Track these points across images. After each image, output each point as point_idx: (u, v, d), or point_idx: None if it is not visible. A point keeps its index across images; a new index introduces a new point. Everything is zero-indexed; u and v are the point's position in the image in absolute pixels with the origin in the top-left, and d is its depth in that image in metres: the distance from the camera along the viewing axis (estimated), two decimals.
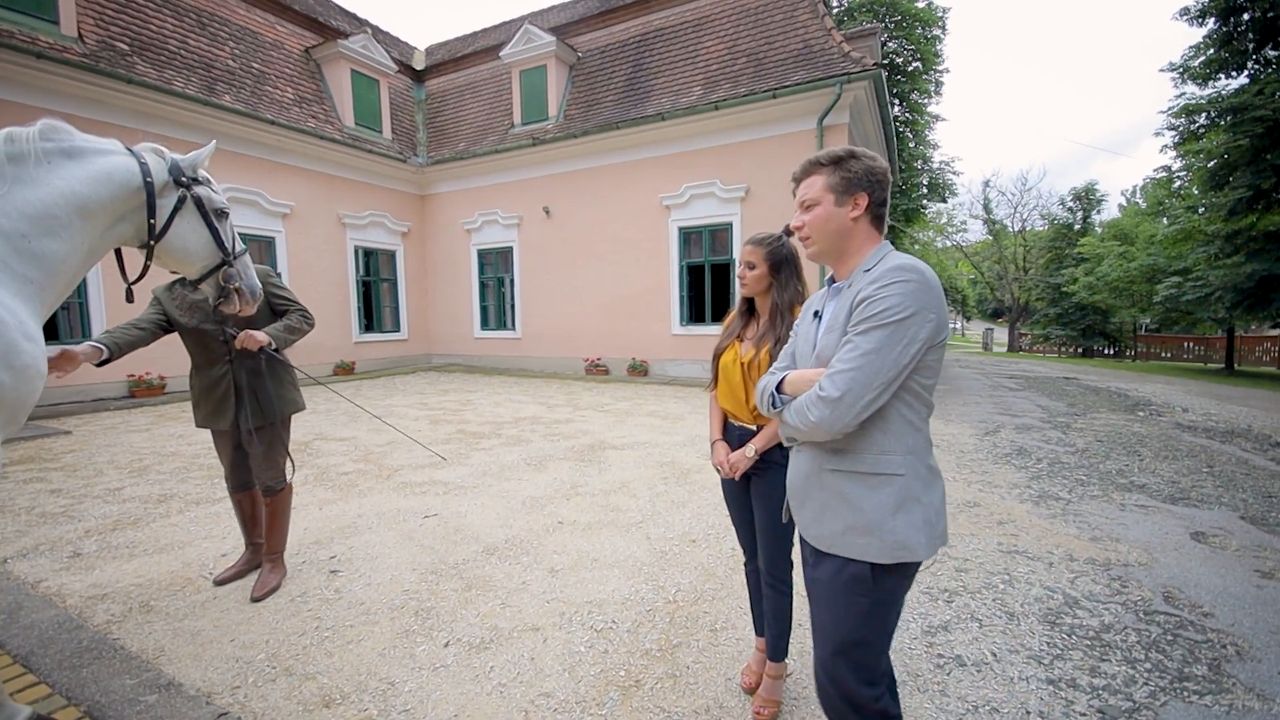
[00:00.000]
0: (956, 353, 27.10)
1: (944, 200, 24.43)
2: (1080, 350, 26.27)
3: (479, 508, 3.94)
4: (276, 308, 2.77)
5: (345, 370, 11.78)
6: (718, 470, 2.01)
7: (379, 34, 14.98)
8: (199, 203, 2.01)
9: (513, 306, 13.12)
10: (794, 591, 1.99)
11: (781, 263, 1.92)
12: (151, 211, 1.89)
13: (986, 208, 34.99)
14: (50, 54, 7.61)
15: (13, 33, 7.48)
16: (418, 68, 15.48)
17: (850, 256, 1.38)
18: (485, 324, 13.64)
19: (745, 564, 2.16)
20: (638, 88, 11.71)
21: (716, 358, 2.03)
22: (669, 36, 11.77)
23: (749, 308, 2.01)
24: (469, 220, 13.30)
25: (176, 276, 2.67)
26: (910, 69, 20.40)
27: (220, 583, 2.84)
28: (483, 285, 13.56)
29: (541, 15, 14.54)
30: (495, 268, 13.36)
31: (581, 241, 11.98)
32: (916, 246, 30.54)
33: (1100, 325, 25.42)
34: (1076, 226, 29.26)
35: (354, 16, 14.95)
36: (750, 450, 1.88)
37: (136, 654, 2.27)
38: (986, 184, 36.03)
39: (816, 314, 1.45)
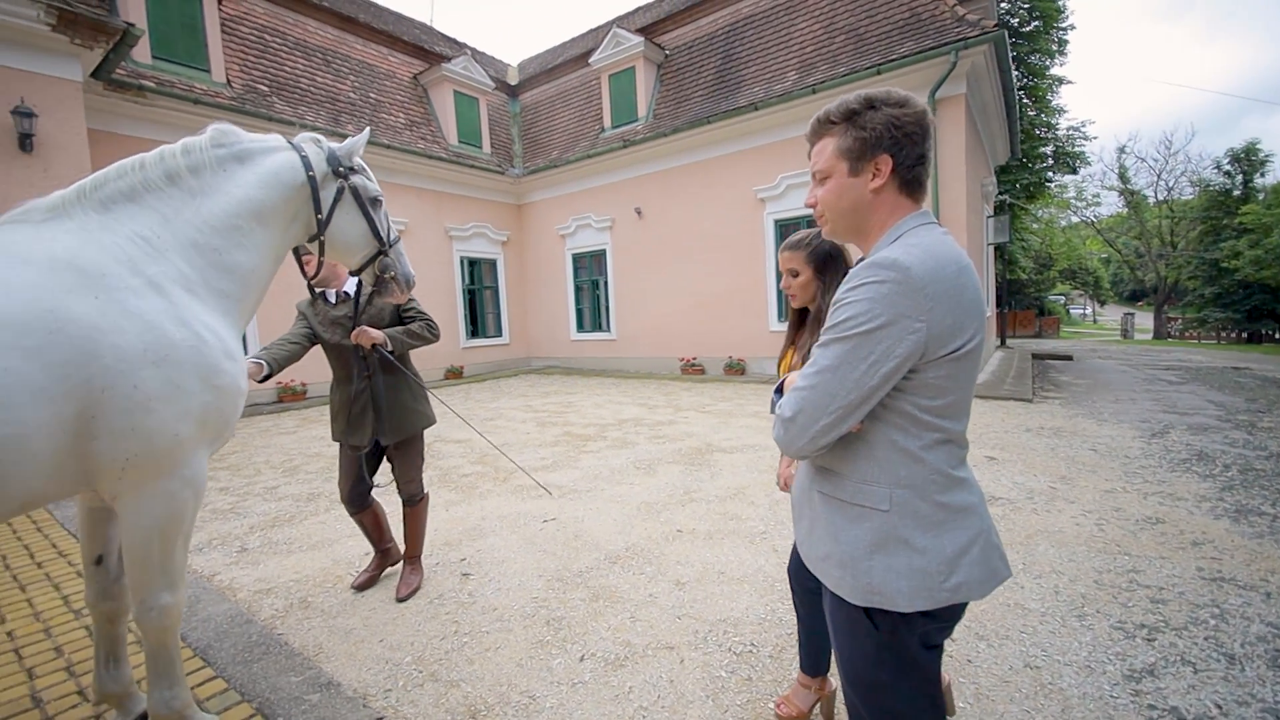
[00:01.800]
0: (1092, 341, 24.19)
1: (1074, 171, 21.85)
2: (1245, 335, 22.58)
3: (595, 513, 3.92)
4: (404, 317, 2.84)
5: (455, 374, 12.47)
6: (779, 485, 1.91)
7: (477, 55, 15.75)
8: (355, 192, 1.98)
9: (607, 308, 13.28)
10: None
11: (826, 260, 1.73)
12: (317, 206, 1.88)
13: (1123, 176, 30.90)
14: (205, 99, 8.65)
15: (174, 82, 8.57)
16: (512, 83, 16.11)
17: (872, 234, 1.12)
18: (581, 326, 13.91)
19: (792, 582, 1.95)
20: (728, 79, 11.42)
21: (779, 366, 1.95)
22: (759, 23, 11.37)
23: (800, 315, 1.87)
24: (563, 226, 13.63)
25: (318, 291, 2.82)
26: (1028, 29, 18.45)
27: (359, 588, 2.93)
28: (578, 288, 13.84)
29: (628, 17, 14.61)
30: (589, 271, 13.59)
31: (674, 240, 11.88)
32: (1036, 225, 27.65)
33: (1270, 306, 21.68)
34: (1236, 192, 25.12)
35: (454, 41, 15.81)
36: (795, 465, 1.75)
37: (299, 650, 2.42)
38: (1122, 150, 31.57)
39: None
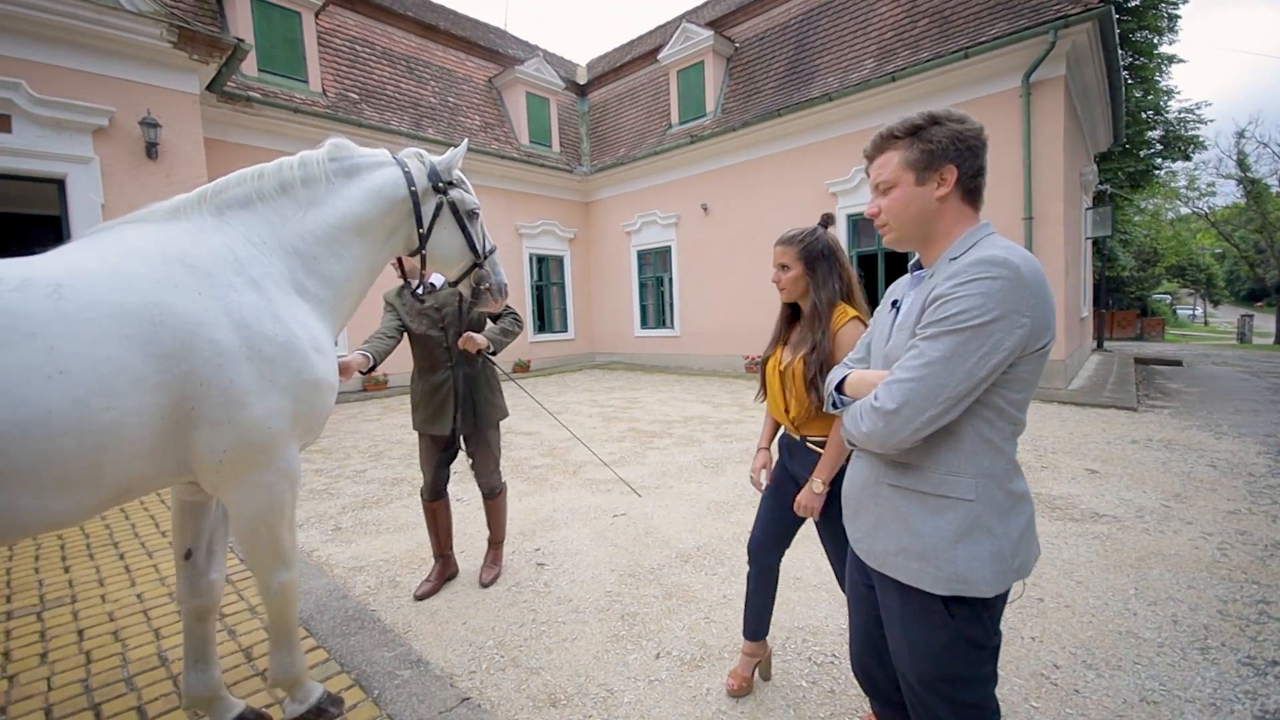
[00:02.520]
0: (1203, 345, 21.91)
1: (1187, 157, 19.80)
2: None
3: (664, 510, 3.93)
4: (502, 316, 2.94)
5: (522, 368, 12.83)
6: (751, 479, 2.04)
7: (548, 56, 16.07)
8: (454, 207, 2.02)
9: (671, 305, 13.26)
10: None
11: (817, 259, 1.81)
12: (419, 221, 1.93)
13: (1242, 163, 27.62)
14: (304, 108, 9.27)
15: (277, 93, 9.24)
16: (581, 82, 16.34)
17: (938, 240, 1.20)
18: (645, 323, 13.97)
19: (752, 559, 2.05)
20: (800, 70, 11.11)
21: (763, 365, 1.96)
22: (835, 10, 10.97)
23: (792, 311, 1.92)
24: (629, 223, 13.71)
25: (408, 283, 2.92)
26: (1134, 4, 16.88)
27: (420, 598, 2.83)
28: (642, 285, 13.90)
29: (698, 11, 14.46)
30: (654, 267, 13.61)
31: (741, 236, 11.70)
32: (1139, 218, 25.30)
33: None
34: None
35: (526, 43, 16.21)
36: (817, 485, 1.75)
37: (390, 627, 2.56)
38: (1241, 134, 28.11)
39: (895, 304, 1.30)
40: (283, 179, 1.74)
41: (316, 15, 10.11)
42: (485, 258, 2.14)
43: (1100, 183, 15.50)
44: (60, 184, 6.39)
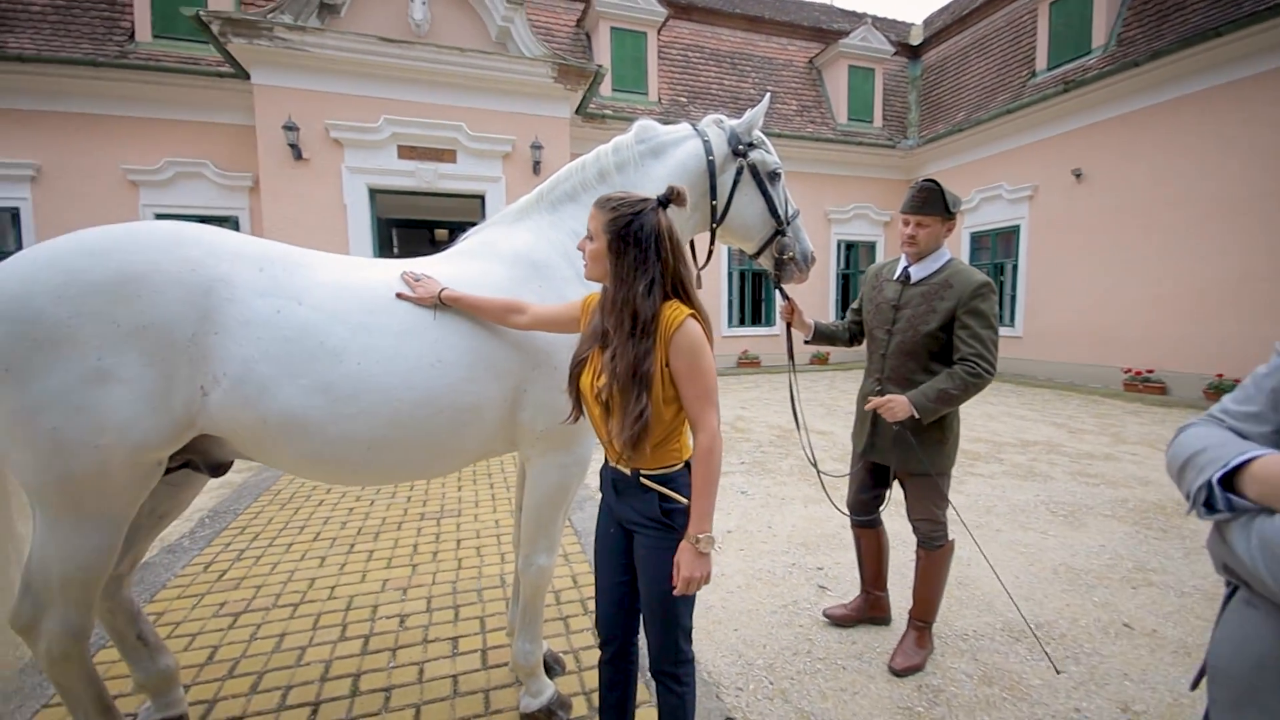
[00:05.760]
0: None
1: None
2: None
3: (986, 559, 3.16)
4: (956, 345, 2.05)
5: (820, 360, 12.29)
6: None
7: (877, 22, 14.70)
8: (754, 170, 1.92)
9: (1013, 298, 10.86)
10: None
11: (627, 242, 1.31)
12: (713, 192, 1.88)
13: None
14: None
15: (624, 108, 10.64)
16: (914, 44, 14.49)
17: None
18: None
19: (603, 648, 1.55)
20: None
21: (574, 376, 1.46)
22: None
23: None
24: (965, 200, 11.66)
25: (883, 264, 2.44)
26: None
27: (829, 617, 2.54)
28: None
29: None
30: (992, 252, 11.31)
31: (1126, 209, 8.78)
32: None
33: None
34: None
35: (853, 14, 15.11)
36: (705, 543, 1.29)
37: None
38: None
39: None
40: (601, 167, 1.86)
41: (658, 31, 11.24)
42: (788, 223, 1.98)
43: None
44: (481, 199, 8.59)
